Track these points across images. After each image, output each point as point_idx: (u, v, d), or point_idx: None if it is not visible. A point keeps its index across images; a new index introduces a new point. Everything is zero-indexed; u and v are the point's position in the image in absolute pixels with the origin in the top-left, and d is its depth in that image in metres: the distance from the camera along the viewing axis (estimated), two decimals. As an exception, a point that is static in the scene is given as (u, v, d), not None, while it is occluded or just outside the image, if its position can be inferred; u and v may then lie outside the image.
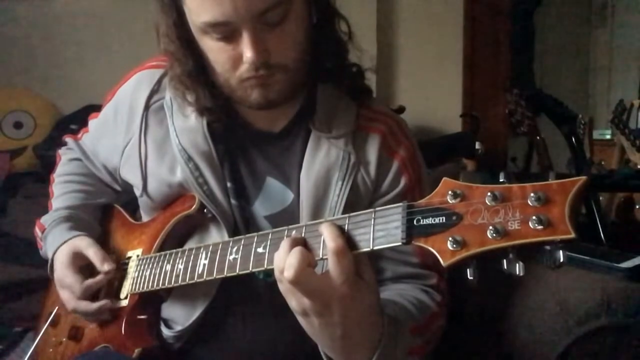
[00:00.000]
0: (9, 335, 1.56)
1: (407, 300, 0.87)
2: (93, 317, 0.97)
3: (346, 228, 0.67)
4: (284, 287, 0.68)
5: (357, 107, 0.96)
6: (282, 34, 0.82)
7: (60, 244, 0.99)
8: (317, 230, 0.68)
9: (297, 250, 0.66)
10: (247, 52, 0.80)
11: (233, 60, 0.83)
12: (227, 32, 0.80)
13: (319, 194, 0.89)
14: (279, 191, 0.94)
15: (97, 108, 1.11)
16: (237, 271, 0.77)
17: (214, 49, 0.84)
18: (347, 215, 0.68)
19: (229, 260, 0.78)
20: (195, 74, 0.89)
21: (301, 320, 0.70)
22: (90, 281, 0.95)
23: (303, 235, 0.70)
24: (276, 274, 0.68)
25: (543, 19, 3.92)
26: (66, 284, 0.96)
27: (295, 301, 0.68)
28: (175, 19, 0.86)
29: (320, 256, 0.67)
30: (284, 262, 0.66)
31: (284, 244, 0.68)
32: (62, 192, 1.10)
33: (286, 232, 0.73)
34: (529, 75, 3.77)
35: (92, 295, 0.96)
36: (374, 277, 0.70)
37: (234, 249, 0.78)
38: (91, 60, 2.22)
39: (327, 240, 0.65)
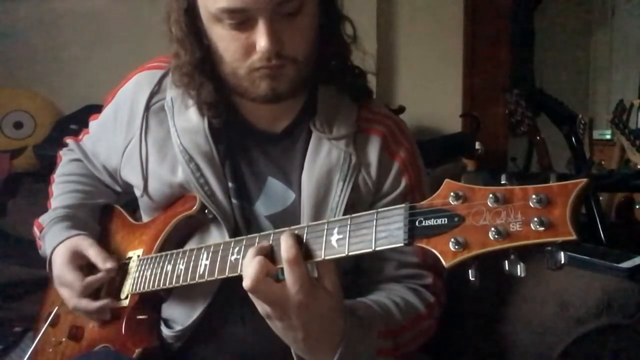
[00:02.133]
0: (9, 335, 1.56)
1: (391, 300, 0.88)
2: (94, 315, 0.97)
3: (348, 229, 0.67)
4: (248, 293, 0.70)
5: (358, 109, 0.96)
6: (295, 26, 0.83)
7: (58, 243, 0.99)
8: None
9: (256, 260, 0.69)
10: (262, 41, 0.80)
11: (245, 49, 0.83)
12: (242, 19, 0.81)
13: (320, 194, 0.90)
14: (280, 191, 0.94)
15: (97, 108, 1.11)
16: (239, 272, 0.77)
17: (225, 38, 0.84)
18: (349, 216, 0.68)
19: (230, 260, 0.78)
20: (201, 65, 0.89)
21: (268, 322, 0.73)
22: (91, 278, 0.95)
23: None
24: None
25: (543, 19, 3.92)
26: (66, 282, 0.96)
27: (258, 306, 0.71)
28: (187, 6, 0.87)
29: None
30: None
31: (249, 252, 0.71)
32: (61, 191, 1.10)
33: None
34: (529, 75, 3.77)
35: (92, 293, 0.96)
36: (338, 283, 0.72)
37: (236, 250, 0.78)
38: (91, 60, 2.22)
39: (282, 250, 0.68)
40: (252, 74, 0.85)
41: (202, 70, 0.90)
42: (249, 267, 0.69)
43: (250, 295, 0.70)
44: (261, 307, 0.71)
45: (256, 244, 0.74)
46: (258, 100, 0.89)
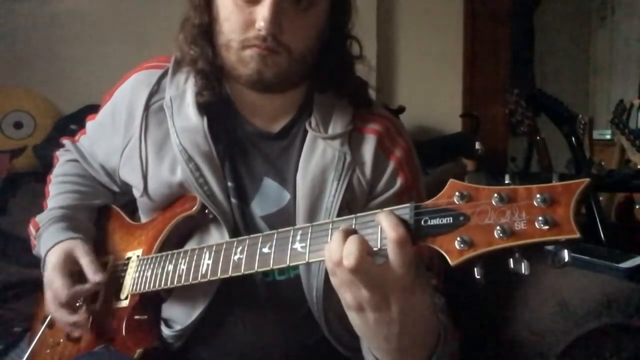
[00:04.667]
0: (9, 335, 1.56)
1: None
2: (68, 327, 0.97)
3: (353, 228, 0.66)
4: (339, 280, 0.64)
5: (354, 109, 0.96)
6: (300, 21, 0.85)
7: (53, 244, 0.98)
8: (368, 222, 0.66)
9: (355, 238, 0.62)
10: (262, 17, 0.81)
11: (244, 23, 0.84)
12: None
13: (314, 194, 0.89)
14: (275, 192, 0.94)
15: (96, 108, 1.10)
16: (242, 271, 0.77)
17: (229, 7, 0.85)
18: (354, 215, 0.68)
19: (233, 260, 0.78)
20: (206, 30, 0.91)
21: (355, 317, 0.67)
22: (78, 288, 0.94)
23: (354, 226, 0.66)
24: (330, 266, 0.64)
25: (543, 19, 3.92)
26: (53, 287, 0.95)
27: (351, 294, 0.64)
28: None
29: (379, 247, 0.65)
30: (340, 252, 0.62)
31: (338, 234, 0.64)
32: (57, 192, 1.10)
33: (292, 232, 0.72)
34: (529, 75, 3.77)
35: (76, 302, 0.95)
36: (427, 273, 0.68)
37: (239, 249, 0.78)
38: (91, 60, 2.21)
39: (387, 229, 0.61)
40: (243, 51, 0.85)
41: (206, 34, 0.91)
42: (349, 245, 0.61)
43: (343, 280, 0.63)
44: (355, 295, 0.64)
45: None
46: (243, 82, 0.89)
